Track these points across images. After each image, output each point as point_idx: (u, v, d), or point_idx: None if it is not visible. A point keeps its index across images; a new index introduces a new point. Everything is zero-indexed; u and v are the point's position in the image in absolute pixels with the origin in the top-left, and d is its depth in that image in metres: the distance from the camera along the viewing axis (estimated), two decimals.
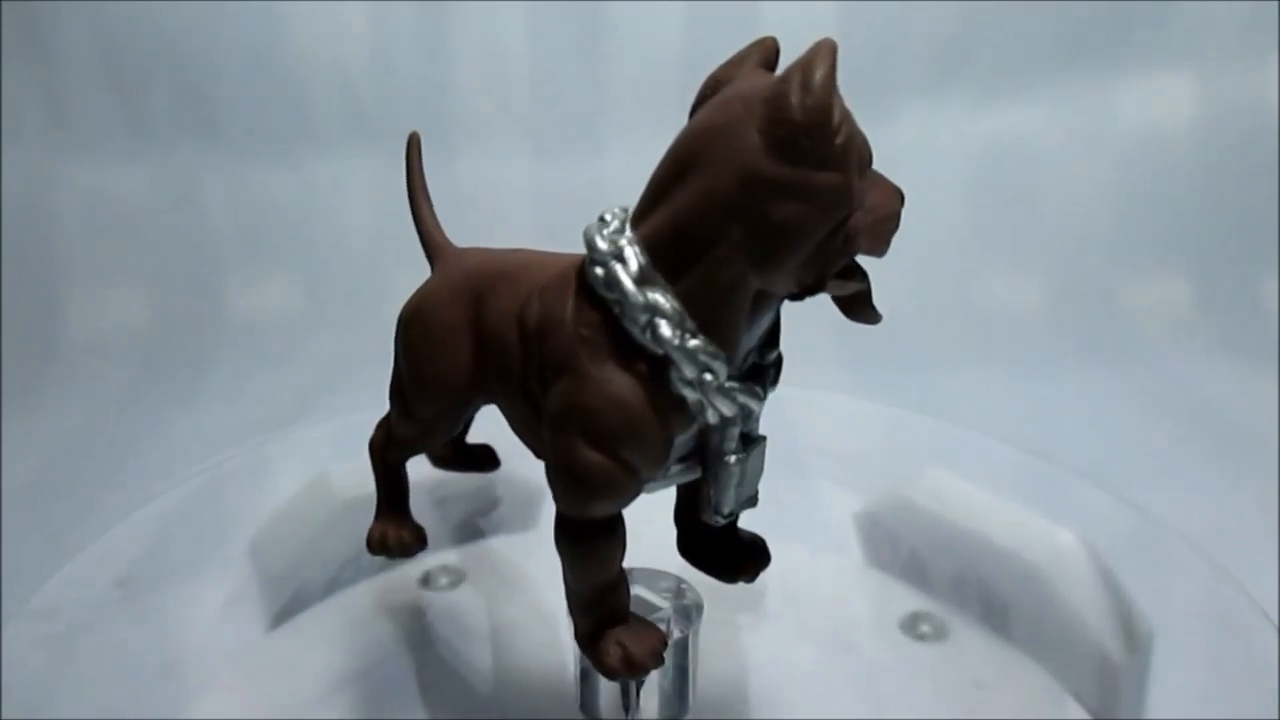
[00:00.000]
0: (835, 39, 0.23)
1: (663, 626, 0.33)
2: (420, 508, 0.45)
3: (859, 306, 0.27)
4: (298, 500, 0.48)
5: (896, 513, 0.48)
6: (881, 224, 0.25)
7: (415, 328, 0.33)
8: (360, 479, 0.49)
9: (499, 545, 0.47)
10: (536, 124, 0.87)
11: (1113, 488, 0.47)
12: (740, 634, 0.41)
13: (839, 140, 0.24)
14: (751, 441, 0.29)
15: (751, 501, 0.30)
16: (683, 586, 0.35)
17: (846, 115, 0.24)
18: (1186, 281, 0.83)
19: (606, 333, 0.26)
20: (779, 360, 0.29)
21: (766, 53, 0.27)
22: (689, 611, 0.34)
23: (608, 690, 0.34)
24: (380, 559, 0.45)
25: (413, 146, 0.38)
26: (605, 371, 0.26)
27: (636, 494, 0.28)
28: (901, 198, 0.26)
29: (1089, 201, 0.86)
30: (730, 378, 0.26)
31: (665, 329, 0.25)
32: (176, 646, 0.41)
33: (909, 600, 0.43)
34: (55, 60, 0.83)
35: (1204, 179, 0.85)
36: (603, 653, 0.29)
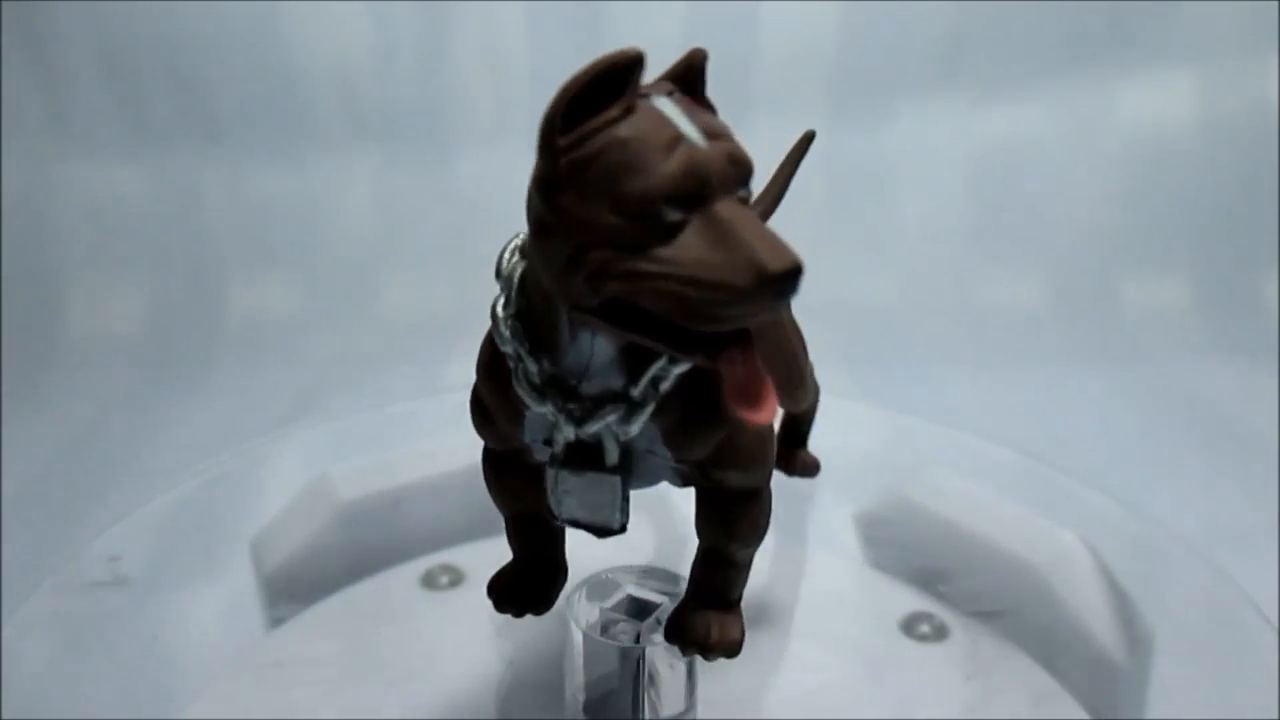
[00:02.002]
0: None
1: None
2: (420, 507, 0.45)
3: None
4: (298, 500, 0.48)
5: (896, 513, 0.48)
6: (684, 286, 0.21)
7: None
8: (360, 479, 0.49)
9: (499, 545, 0.47)
10: (536, 124, 0.87)
11: (1113, 488, 0.47)
12: None
13: (568, 158, 0.22)
14: (591, 463, 0.27)
15: (600, 531, 0.28)
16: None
17: (602, 135, 0.22)
18: (1186, 281, 0.83)
19: None
20: (644, 399, 0.25)
21: (685, 65, 0.25)
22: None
23: (609, 691, 0.34)
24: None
25: (806, 143, 0.37)
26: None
27: (502, 438, 0.29)
28: (760, 278, 0.20)
29: (1089, 201, 0.86)
30: (550, 380, 0.25)
31: (499, 303, 0.26)
32: (176, 646, 0.41)
33: (909, 600, 0.43)
34: (55, 60, 0.83)
35: (1204, 179, 0.85)
36: (496, 573, 0.33)
